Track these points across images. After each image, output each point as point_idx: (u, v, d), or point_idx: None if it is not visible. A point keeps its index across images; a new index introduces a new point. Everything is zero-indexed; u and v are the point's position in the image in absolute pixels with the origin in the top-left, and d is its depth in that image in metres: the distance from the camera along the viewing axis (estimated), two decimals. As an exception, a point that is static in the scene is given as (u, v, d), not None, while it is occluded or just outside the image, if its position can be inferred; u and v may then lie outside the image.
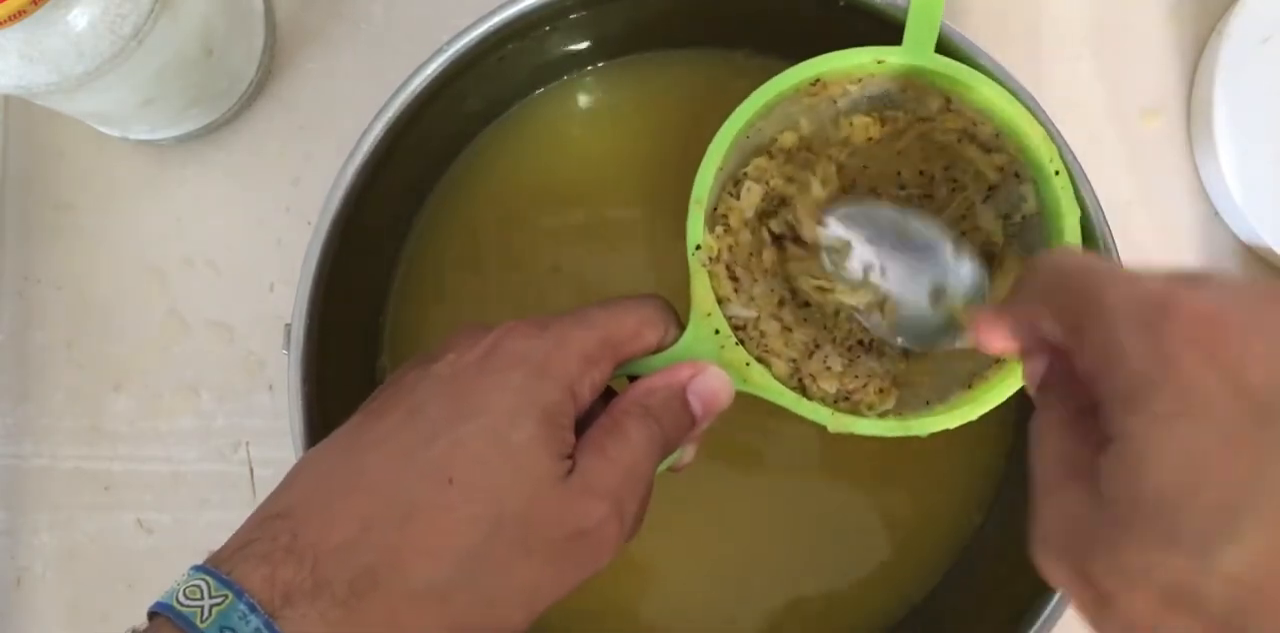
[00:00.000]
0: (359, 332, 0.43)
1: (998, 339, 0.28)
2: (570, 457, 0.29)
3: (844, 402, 0.35)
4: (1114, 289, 0.23)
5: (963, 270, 0.35)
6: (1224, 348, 0.21)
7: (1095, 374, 0.23)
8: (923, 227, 0.35)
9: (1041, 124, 0.34)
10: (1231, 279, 0.23)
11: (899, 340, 0.35)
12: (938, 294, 0.35)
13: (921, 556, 0.43)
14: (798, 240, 0.36)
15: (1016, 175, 0.35)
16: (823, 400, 0.34)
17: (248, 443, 0.46)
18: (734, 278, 0.35)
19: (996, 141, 0.35)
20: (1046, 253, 0.27)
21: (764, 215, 0.36)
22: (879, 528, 0.43)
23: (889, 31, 0.36)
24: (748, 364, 0.32)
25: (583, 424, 0.30)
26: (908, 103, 0.36)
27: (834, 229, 0.36)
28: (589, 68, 0.44)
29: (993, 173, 0.35)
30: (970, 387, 0.34)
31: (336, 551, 0.26)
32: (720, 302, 0.33)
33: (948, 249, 0.35)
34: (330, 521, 0.26)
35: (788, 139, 0.36)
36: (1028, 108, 0.34)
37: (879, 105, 0.36)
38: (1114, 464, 0.22)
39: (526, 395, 0.28)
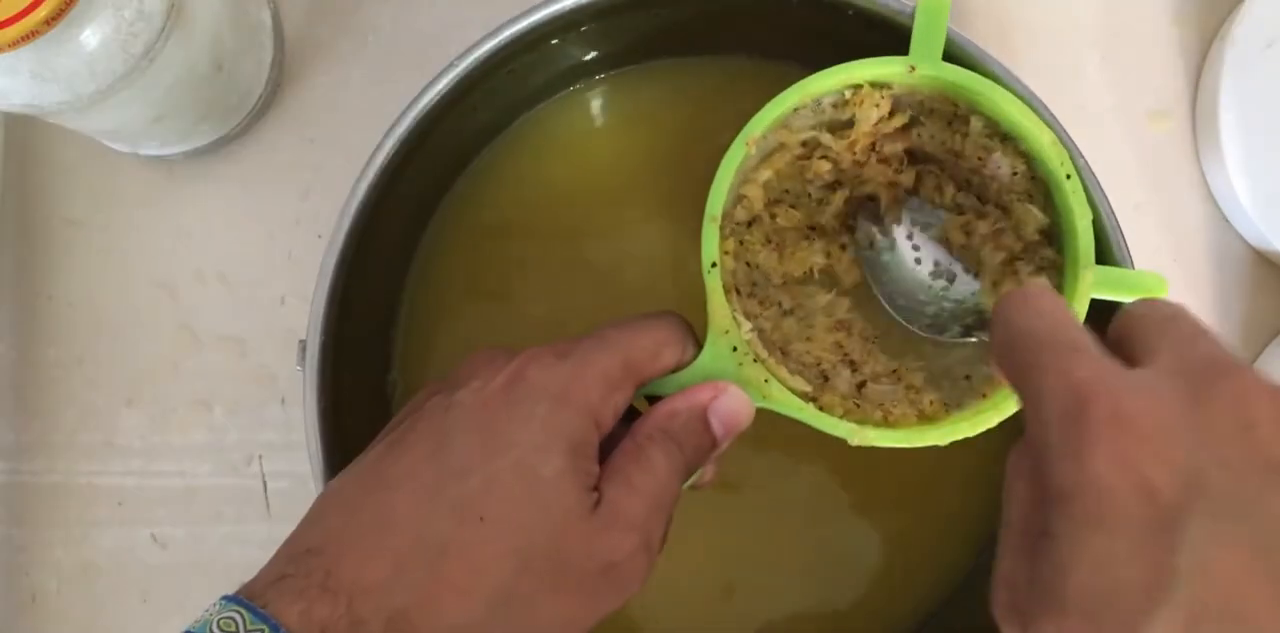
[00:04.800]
0: (370, 346, 0.43)
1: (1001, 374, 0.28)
2: (596, 488, 0.29)
3: (856, 411, 0.35)
4: (1053, 375, 0.24)
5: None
6: (1134, 450, 0.22)
7: (1036, 456, 0.24)
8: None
9: (1051, 128, 0.34)
10: (1176, 343, 0.24)
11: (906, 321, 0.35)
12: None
13: (931, 571, 0.43)
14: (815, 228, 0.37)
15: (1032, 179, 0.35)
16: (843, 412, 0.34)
17: (261, 457, 0.46)
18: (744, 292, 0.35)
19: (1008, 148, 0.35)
20: (1006, 296, 0.27)
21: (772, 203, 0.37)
22: (888, 543, 0.43)
23: (898, 38, 0.36)
24: (766, 381, 0.32)
25: (604, 445, 0.30)
26: (916, 108, 0.36)
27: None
28: (596, 78, 0.44)
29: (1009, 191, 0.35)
30: (985, 395, 0.34)
31: (371, 590, 0.26)
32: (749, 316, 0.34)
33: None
34: (364, 558, 0.27)
35: (791, 139, 0.36)
36: (1037, 113, 0.34)
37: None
38: (1045, 560, 0.23)
39: (553, 428, 0.28)
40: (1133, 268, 0.36)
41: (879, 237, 0.36)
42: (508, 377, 0.29)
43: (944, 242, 0.36)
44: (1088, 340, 0.25)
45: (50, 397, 0.47)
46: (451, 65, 0.37)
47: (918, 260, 0.35)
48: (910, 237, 0.36)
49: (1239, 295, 0.46)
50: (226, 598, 0.26)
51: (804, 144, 0.36)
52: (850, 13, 0.37)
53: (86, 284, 0.47)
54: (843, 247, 0.37)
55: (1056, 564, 0.23)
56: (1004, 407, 0.33)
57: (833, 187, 0.37)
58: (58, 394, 0.47)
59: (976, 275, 0.36)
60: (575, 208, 0.44)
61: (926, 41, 0.34)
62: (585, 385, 0.29)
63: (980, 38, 0.36)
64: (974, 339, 0.34)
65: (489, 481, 0.27)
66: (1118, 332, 0.27)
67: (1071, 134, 0.35)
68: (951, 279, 0.35)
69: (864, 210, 0.37)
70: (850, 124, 0.36)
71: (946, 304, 0.35)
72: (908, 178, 0.37)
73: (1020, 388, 0.25)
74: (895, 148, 0.36)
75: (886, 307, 0.35)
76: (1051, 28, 0.47)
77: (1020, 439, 0.27)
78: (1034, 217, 0.34)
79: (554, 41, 0.40)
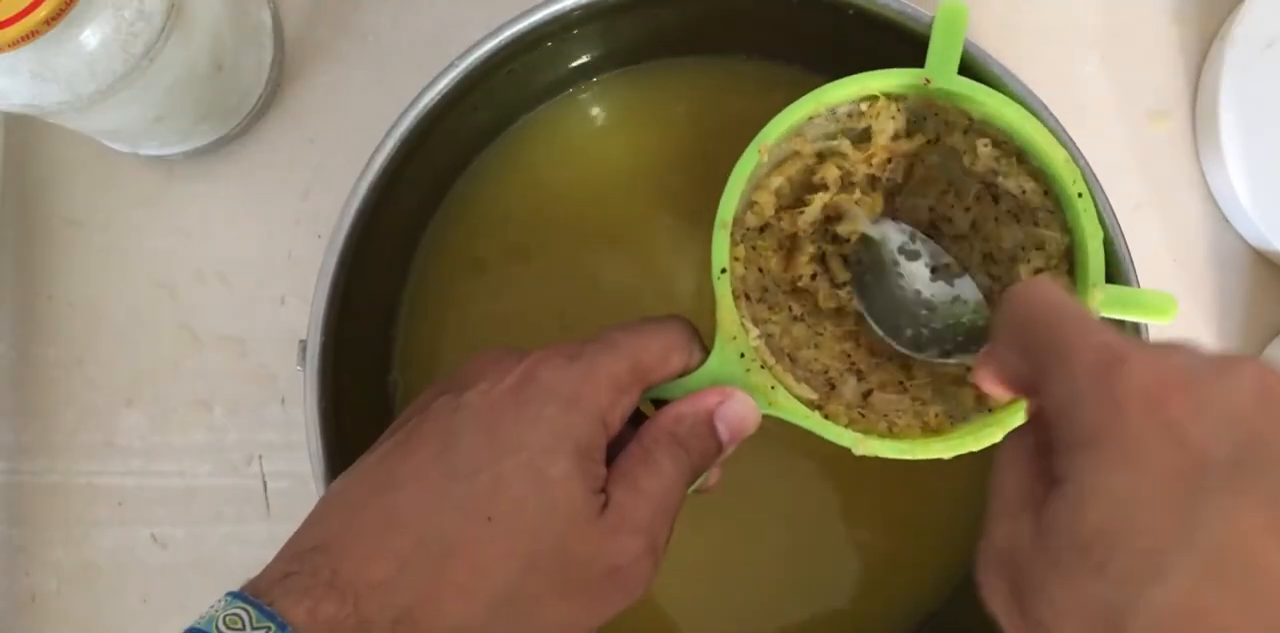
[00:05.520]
0: (370, 346, 0.43)
1: (988, 383, 0.29)
2: (603, 491, 0.29)
3: (861, 420, 0.35)
4: (1078, 337, 0.25)
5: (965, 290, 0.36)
6: (1171, 406, 0.23)
7: (1054, 415, 0.25)
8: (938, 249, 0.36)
9: (1064, 146, 0.34)
10: (1192, 347, 0.25)
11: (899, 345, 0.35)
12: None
13: (932, 570, 0.43)
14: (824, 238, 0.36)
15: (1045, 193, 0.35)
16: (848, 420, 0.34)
17: (261, 457, 0.46)
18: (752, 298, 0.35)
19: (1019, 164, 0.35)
20: (1017, 286, 0.28)
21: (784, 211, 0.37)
22: (889, 542, 0.43)
23: (899, 40, 0.36)
24: (773, 387, 0.32)
25: (611, 447, 0.30)
26: (930, 119, 0.36)
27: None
28: (596, 78, 0.44)
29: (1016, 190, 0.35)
30: (991, 410, 0.34)
31: (377, 589, 0.26)
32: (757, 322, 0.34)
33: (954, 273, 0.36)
34: (370, 558, 0.27)
35: (806, 148, 0.36)
36: (1050, 130, 0.34)
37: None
38: (1059, 502, 0.23)
39: (561, 430, 0.28)
40: (1134, 270, 0.36)
41: (864, 254, 0.36)
42: (517, 378, 0.29)
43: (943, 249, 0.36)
44: (1107, 323, 0.26)
45: (50, 397, 0.47)
46: (451, 65, 0.37)
47: (900, 287, 0.35)
48: (896, 263, 0.36)
49: (1239, 295, 0.46)
50: (232, 595, 0.26)
51: (819, 154, 0.36)
52: (850, 13, 0.37)
53: (86, 284, 0.47)
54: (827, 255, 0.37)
55: (1074, 504, 0.23)
56: (1009, 421, 0.33)
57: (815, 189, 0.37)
58: (58, 394, 0.47)
59: (965, 300, 0.35)
60: (575, 208, 0.44)
61: (943, 54, 0.34)
62: (595, 389, 0.29)
63: (981, 38, 0.36)
64: (953, 361, 0.35)
65: (496, 481, 0.27)
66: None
67: (1072, 134, 0.35)
68: (932, 309, 0.35)
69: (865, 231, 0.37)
70: (866, 135, 0.36)
71: (924, 331, 0.35)
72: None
73: (1039, 356, 0.26)
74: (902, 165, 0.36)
75: (869, 321, 0.35)
76: (1051, 28, 0.47)
77: (1008, 435, 0.27)
78: (1055, 240, 0.34)
79: (554, 42, 0.40)
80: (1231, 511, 0.22)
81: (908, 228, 0.36)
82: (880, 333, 0.35)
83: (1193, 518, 0.22)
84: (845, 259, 0.37)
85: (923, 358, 0.35)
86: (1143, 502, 0.22)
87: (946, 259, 0.36)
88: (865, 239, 0.36)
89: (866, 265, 0.36)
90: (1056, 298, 0.27)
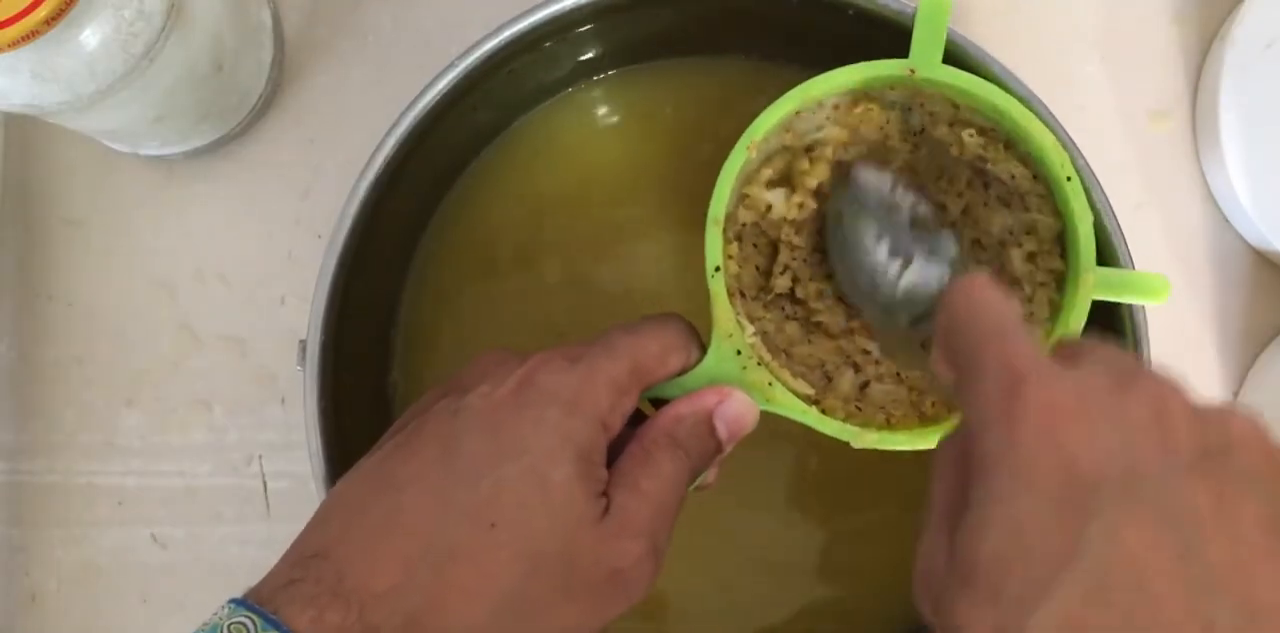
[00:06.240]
0: (370, 346, 0.43)
1: (941, 370, 0.28)
2: (604, 493, 0.29)
3: (858, 414, 0.35)
4: (993, 352, 0.25)
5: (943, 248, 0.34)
6: (1063, 431, 0.23)
7: (966, 435, 0.25)
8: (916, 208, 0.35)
9: (1052, 131, 0.34)
10: (1105, 357, 0.25)
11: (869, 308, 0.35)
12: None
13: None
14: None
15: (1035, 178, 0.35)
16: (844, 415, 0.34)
17: (261, 456, 0.46)
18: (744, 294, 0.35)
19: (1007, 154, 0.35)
20: (955, 282, 0.27)
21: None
22: (889, 542, 0.43)
23: (899, 38, 0.36)
24: (770, 384, 0.33)
25: (610, 447, 0.30)
26: (916, 112, 0.36)
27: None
28: (596, 78, 0.44)
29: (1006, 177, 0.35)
30: None
31: (382, 596, 0.26)
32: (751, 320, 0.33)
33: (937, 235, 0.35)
34: (374, 564, 0.27)
35: (795, 142, 0.36)
36: (1038, 114, 0.34)
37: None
38: (964, 528, 0.24)
39: (563, 433, 0.28)
40: (1133, 268, 0.36)
41: (845, 208, 0.35)
42: (518, 381, 0.29)
43: (932, 215, 0.35)
44: (1026, 334, 0.26)
45: (50, 397, 0.47)
46: (451, 65, 0.37)
47: (878, 237, 0.34)
48: (874, 213, 0.34)
49: (1239, 295, 0.46)
50: (235, 602, 0.26)
51: (808, 147, 0.36)
52: (850, 13, 0.37)
53: (86, 284, 0.47)
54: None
55: (973, 531, 0.23)
56: None
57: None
58: (58, 394, 0.47)
59: (941, 258, 0.34)
60: (575, 208, 0.44)
61: (927, 44, 0.34)
62: (595, 391, 0.29)
63: (980, 38, 0.36)
64: (921, 328, 0.34)
65: (499, 485, 0.27)
66: (1058, 346, 0.27)
67: (1071, 134, 0.35)
68: (907, 264, 0.34)
69: (846, 179, 0.36)
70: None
71: (899, 289, 0.34)
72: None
73: (962, 368, 0.26)
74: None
75: (842, 285, 0.35)
76: (1051, 28, 0.47)
77: (940, 446, 0.27)
78: (1047, 224, 0.34)
79: (553, 42, 0.40)
80: (1117, 529, 0.22)
81: (889, 176, 0.35)
82: (849, 295, 0.34)
83: (1080, 543, 0.22)
84: (822, 214, 0.35)
85: (891, 327, 0.34)
86: (1035, 530, 0.22)
87: (926, 209, 0.35)
88: (844, 190, 0.35)
89: (843, 218, 0.35)
90: (984, 304, 0.26)
